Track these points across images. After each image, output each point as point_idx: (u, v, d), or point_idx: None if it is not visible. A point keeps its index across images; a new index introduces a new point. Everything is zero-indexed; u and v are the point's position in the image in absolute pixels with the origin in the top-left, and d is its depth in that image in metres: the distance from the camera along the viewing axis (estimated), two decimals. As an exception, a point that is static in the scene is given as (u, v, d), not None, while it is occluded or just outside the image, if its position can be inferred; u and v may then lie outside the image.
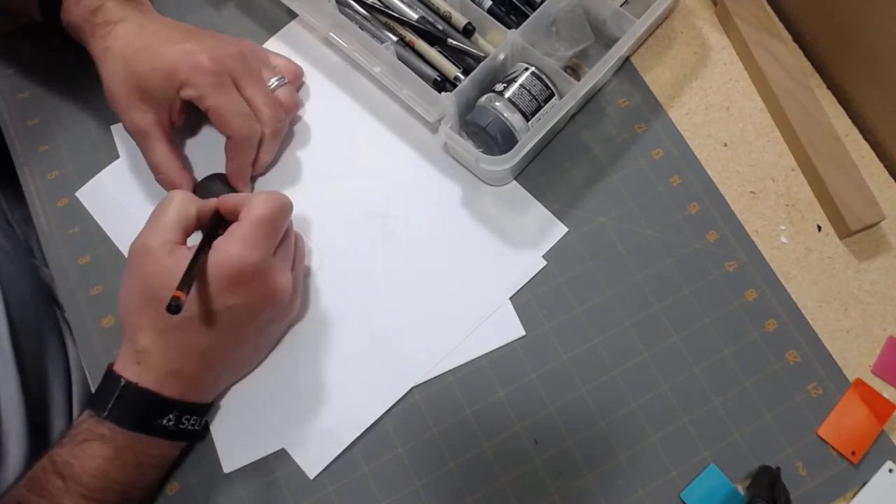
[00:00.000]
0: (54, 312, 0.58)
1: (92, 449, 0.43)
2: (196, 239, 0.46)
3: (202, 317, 0.43)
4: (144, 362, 0.44)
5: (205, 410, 0.48)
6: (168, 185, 0.53)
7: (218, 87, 0.49)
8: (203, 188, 0.54)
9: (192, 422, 0.46)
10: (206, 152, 0.56)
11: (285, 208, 0.46)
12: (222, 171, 0.54)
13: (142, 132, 0.51)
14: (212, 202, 0.48)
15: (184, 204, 0.46)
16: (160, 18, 0.52)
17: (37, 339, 0.53)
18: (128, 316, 0.45)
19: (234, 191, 0.54)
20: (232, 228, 0.45)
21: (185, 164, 0.54)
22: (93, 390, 0.51)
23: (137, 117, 0.50)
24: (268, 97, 0.52)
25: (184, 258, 0.43)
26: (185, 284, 0.40)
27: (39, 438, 0.50)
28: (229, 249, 0.43)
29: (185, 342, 0.44)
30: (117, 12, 0.50)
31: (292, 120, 0.57)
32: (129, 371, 0.44)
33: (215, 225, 0.47)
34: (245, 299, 0.44)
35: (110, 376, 0.45)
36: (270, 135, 0.52)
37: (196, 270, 0.42)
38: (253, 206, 0.45)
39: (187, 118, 0.54)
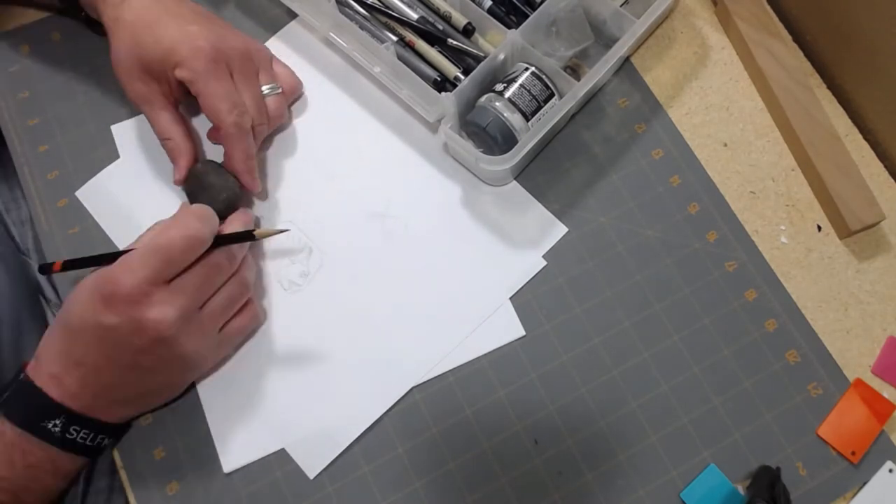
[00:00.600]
0: (40, 308, 0.58)
1: None
2: None
3: (76, 326, 0.43)
4: (40, 357, 0.45)
5: (97, 427, 0.45)
6: (174, 151, 0.52)
7: (212, 73, 0.49)
8: (198, 170, 0.52)
9: (81, 434, 0.44)
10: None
11: (190, 240, 0.43)
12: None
13: (146, 99, 0.51)
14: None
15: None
16: None
17: (14, 332, 0.53)
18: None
19: (228, 180, 0.52)
20: (129, 250, 0.44)
21: (192, 134, 0.54)
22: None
23: (140, 86, 0.50)
24: (256, 98, 0.52)
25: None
26: (73, 260, 0.41)
27: None
28: (113, 268, 0.43)
29: (63, 347, 0.44)
30: None
31: (293, 116, 0.57)
32: (30, 366, 0.45)
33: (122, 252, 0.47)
34: (114, 321, 0.42)
35: (19, 370, 0.45)
36: (244, 134, 0.51)
37: (84, 265, 0.43)
38: (154, 232, 0.45)
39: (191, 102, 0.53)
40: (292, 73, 0.57)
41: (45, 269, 0.42)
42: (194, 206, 0.48)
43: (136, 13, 0.50)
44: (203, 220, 0.45)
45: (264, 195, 0.55)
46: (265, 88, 0.53)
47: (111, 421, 0.46)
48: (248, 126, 0.51)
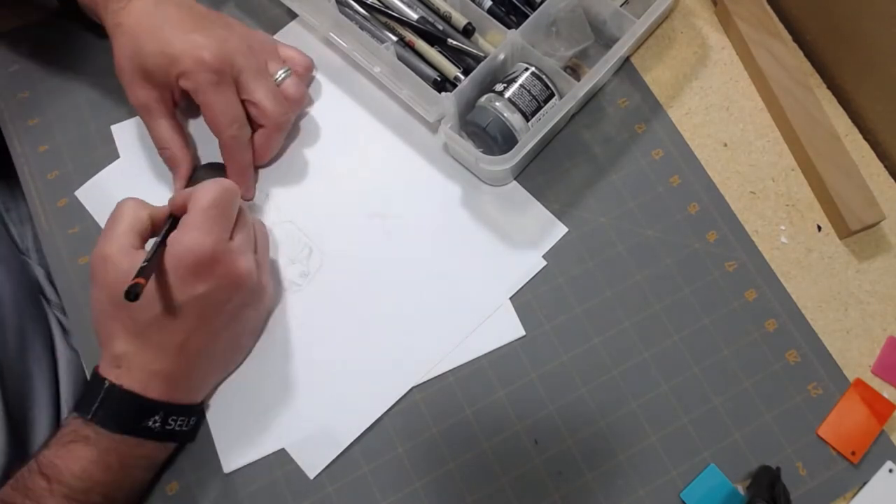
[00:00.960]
0: (42, 310, 0.58)
1: (77, 451, 0.43)
2: None
3: (171, 311, 0.43)
4: (124, 366, 0.44)
5: (192, 411, 0.47)
6: (171, 161, 0.53)
7: (215, 84, 0.49)
8: (198, 176, 0.54)
9: (179, 422, 0.46)
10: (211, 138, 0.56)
11: (230, 192, 0.46)
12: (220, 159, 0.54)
13: (146, 107, 0.51)
14: (165, 207, 0.48)
15: (135, 210, 0.46)
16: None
17: (18, 336, 0.53)
18: (100, 325, 0.45)
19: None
20: (183, 220, 0.45)
21: (189, 142, 0.54)
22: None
23: (141, 93, 0.51)
24: (272, 92, 0.52)
25: (142, 258, 0.43)
26: (142, 272, 0.40)
27: (19, 435, 0.51)
28: (183, 239, 0.43)
29: (160, 340, 0.44)
30: None
31: (298, 115, 0.57)
32: (111, 375, 0.44)
33: (171, 226, 0.46)
34: (209, 286, 0.44)
35: (95, 378, 0.45)
36: (274, 129, 0.52)
37: (154, 261, 0.42)
38: (198, 195, 0.45)
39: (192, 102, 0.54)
40: (300, 52, 0.57)
41: (135, 295, 0.39)
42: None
43: (137, 19, 0.49)
44: (223, 179, 0.47)
45: (265, 196, 0.56)
46: (278, 75, 0.53)
47: (197, 401, 0.48)
48: (246, 139, 0.52)
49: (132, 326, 0.44)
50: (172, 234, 0.44)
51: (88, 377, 0.51)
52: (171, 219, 0.47)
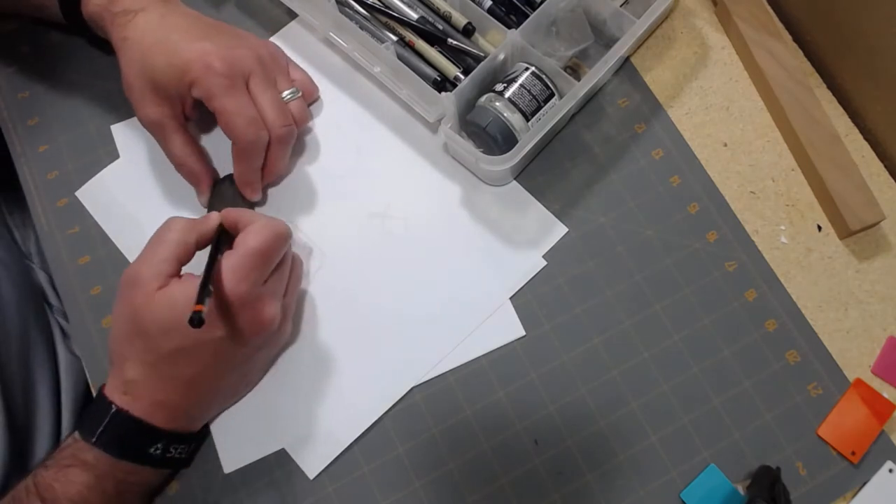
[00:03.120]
0: (45, 315, 0.58)
1: (74, 474, 0.42)
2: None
3: (190, 348, 0.43)
4: (131, 392, 0.44)
5: (193, 438, 0.47)
6: (190, 176, 0.53)
7: (227, 89, 0.48)
8: (220, 189, 0.54)
9: (179, 450, 0.46)
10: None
11: (281, 238, 0.45)
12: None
13: (158, 124, 0.50)
14: (213, 222, 0.47)
15: (182, 234, 0.45)
16: (182, 10, 0.51)
17: (22, 343, 0.53)
18: (116, 344, 0.45)
19: (243, 199, 0.53)
20: (225, 259, 0.43)
21: (205, 155, 0.54)
22: (93, 391, 0.51)
23: (151, 110, 0.50)
24: (276, 102, 0.51)
25: (175, 291, 0.42)
26: (202, 297, 0.40)
27: (20, 443, 0.50)
28: (218, 279, 0.42)
29: (172, 373, 0.43)
30: (138, 2, 0.50)
31: (300, 132, 0.56)
32: (116, 399, 0.44)
33: (219, 241, 0.46)
34: (232, 330, 0.43)
35: (101, 400, 0.44)
36: (276, 140, 0.51)
37: (209, 280, 0.41)
38: (248, 235, 0.44)
39: (205, 114, 0.53)
40: (308, 77, 0.57)
41: (199, 321, 0.39)
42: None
43: (143, 32, 0.49)
44: (279, 221, 0.47)
45: (265, 199, 0.55)
46: (286, 94, 0.53)
47: (197, 429, 0.48)
48: (264, 142, 0.50)
49: (147, 355, 0.43)
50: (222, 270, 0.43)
51: (89, 379, 0.51)
52: (221, 232, 0.46)
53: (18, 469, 0.49)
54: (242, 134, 0.49)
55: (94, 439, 0.43)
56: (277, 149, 0.51)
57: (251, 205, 0.54)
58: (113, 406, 0.43)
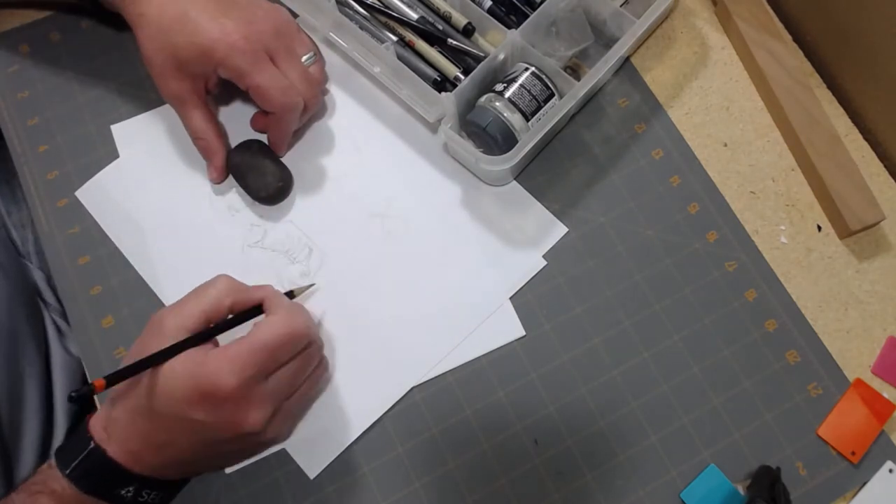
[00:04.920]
0: (39, 313, 0.58)
1: (40, 502, 0.42)
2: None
3: (166, 416, 0.41)
4: (109, 431, 0.43)
5: (167, 487, 0.46)
6: (206, 150, 0.53)
7: (255, 65, 0.49)
8: (239, 153, 0.54)
9: (152, 496, 0.45)
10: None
11: (296, 337, 0.43)
12: (256, 137, 0.55)
13: (180, 99, 0.51)
14: (256, 295, 0.46)
15: (220, 294, 0.44)
16: None
17: (10, 341, 0.53)
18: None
19: (270, 158, 0.54)
20: (230, 345, 0.42)
21: (222, 132, 0.55)
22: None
23: (174, 85, 0.50)
24: (303, 73, 0.52)
25: (180, 359, 0.41)
26: (115, 377, 0.39)
27: (5, 435, 0.50)
28: (210, 363, 0.41)
29: (146, 430, 0.42)
30: None
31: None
32: (97, 433, 0.43)
33: (243, 315, 0.45)
34: (208, 419, 0.41)
35: (83, 432, 0.43)
36: (309, 106, 0.53)
37: (139, 370, 0.40)
38: (262, 326, 0.43)
39: (223, 88, 0.54)
40: (311, 38, 0.57)
41: (78, 398, 0.37)
42: (293, 301, 0.47)
43: (161, 7, 0.49)
44: (303, 313, 0.45)
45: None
46: (305, 59, 0.53)
47: (174, 479, 0.47)
48: (300, 104, 0.51)
49: (132, 401, 0.43)
50: (212, 352, 0.42)
51: (89, 379, 0.51)
52: (255, 310, 0.45)
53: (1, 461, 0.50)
54: (280, 104, 0.50)
55: (67, 471, 0.42)
56: (308, 112, 0.54)
57: (276, 167, 0.54)
58: (92, 442, 0.43)
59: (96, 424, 0.44)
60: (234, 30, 0.48)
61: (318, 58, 0.55)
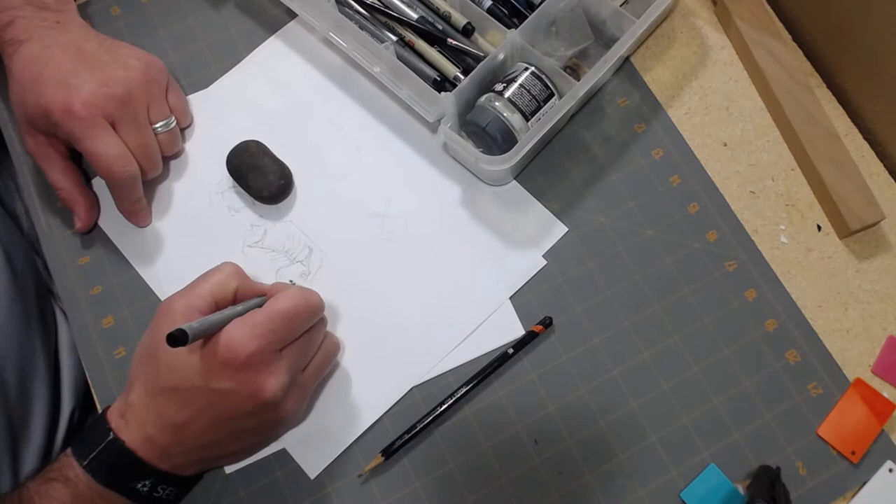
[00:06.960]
0: (50, 305, 0.58)
1: (54, 489, 0.42)
2: None
3: (185, 390, 0.42)
4: (127, 417, 0.43)
5: (181, 483, 0.46)
6: (67, 202, 0.53)
7: (89, 130, 0.48)
8: (237, 155, 0.54)
9: (167, 492, 0.45)
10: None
11: (311, 308, 0.45)
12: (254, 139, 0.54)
13: (35, 154, 0.52)
14: (260, 288, 0.47)
15: (226, 277, 0.45)
16: (66, 38, 0.51)
17: (23, 321, 0.53)
18: (133, 365, 0.45)
19: (270, 157, 0.54)
20: (251, 313, 0.43)
21: (83, 182, 0.54)
22: (93, 392, 0.51)
23: (30, 140, 0.51)
24: (144, 142, 0.51)
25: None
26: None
27: (12, 418, 0.51)
28: (232, 332, 0.42)
29: (164, 411, 0.43)
30: (26, 29, 0.50)
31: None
32: (114, 421, 0.44)
33: (256, 305, 0.45)
34: (228, 386, 0.42)
35: (101, 423, 0.44)
36: (144, 175, 0.52)
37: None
38: (278, 298, 0.44)
39: None
40: (185, 102, 0.56)
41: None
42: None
43: (23, 65, 0.49)
44: (316, 293, 0.46)
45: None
46: (158, 126, 0.53)
47: (187, 475, 0.47)
48: (135, 174, 0.51)
49: (149, 384, 0.43)
50: (232, 322, 0.42)
51: (89, 379, 0.51)
52: (263, 299, 0.46)
53: (8, 435, 0.50)
54: (108, 173, 0.49)
55: (85, 462, 0.43)
56: (146, 179, 0.53)
57: (277, 166, 0.54)
58: (111, 433, 0.43)
59: (113, 413, 0.44)
60: (77, 94, 0.48)
61: (180, 122, 0.55)
